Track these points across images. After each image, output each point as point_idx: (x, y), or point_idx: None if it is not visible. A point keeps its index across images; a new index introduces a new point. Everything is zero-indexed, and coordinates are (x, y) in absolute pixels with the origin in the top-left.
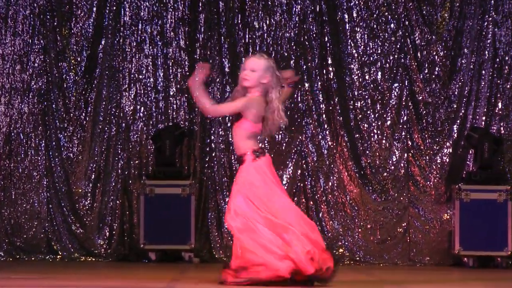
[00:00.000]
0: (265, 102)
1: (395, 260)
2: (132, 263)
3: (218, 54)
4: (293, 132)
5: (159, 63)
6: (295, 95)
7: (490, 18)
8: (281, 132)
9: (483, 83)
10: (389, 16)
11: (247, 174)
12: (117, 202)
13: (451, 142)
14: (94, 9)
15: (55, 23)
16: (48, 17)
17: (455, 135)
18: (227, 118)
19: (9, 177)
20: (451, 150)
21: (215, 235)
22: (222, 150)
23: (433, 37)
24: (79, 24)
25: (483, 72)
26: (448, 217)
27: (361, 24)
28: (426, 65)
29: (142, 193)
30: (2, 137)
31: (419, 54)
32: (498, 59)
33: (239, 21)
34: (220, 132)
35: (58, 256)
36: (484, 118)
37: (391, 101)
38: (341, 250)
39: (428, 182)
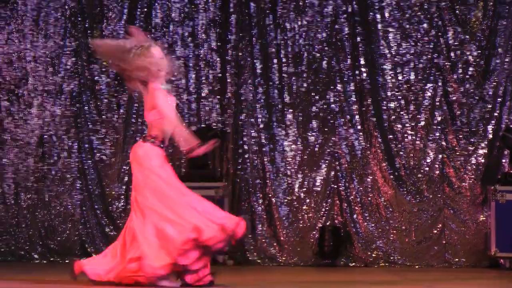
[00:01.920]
0: None
1: (431, 261)
2: None
3: (250, 55)
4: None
5: (191, 64)
6: (328, 96)
7: None
8: (314, 133)
9: None
10: (422, 16)
11: None
12: None
13: (486, 142)
14: (125, 11)
15: (87, 25)
16: (80, 19)
17: (490, 135)
18: (259, 120)
19: (42, 180)
20: (486, 151)
21: (249, 237)
22: (255, 152)
23: (467, 36)
24: (110, 26)
25: None
26: (483, 218)
27: (393, 24)
28: (460, 65)
29: None
30: (35, 140)
31: (452, 54)
32: None
33: (271, 22)
34: (253, 133)
35: None
36: None
37: (424, 102)
38: (375, 252)
39: (463, 183)
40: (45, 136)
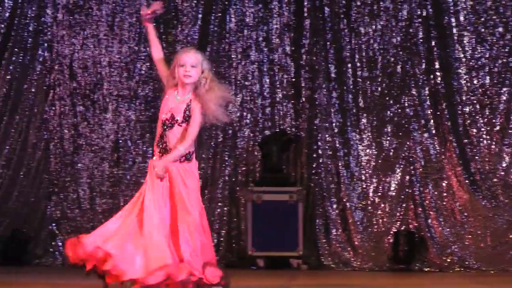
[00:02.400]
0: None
1: (506, 266)
2: (240, 270)
3: (324, 59)
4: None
5: (265, 69)
6: (402, 100)
7: None
8: (388, 138)
9: None
10: (497, 20)
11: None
12: (225, 208)
13: None
14: (200, 15)
15: (161, 30)
16: (154, 24)
17: None
18: (334, 124)
19: (117, 184)
20: None
21: (323, 242)
22: (329, 157)
23: None
24: (184, 31)
25: None
26: None
27: (468, 28)
28: None
29: (249, 199)
30: (109, 145)
31: None
32: None
33: (345, 27)
34: (327, 138)
35: None
36: None
37: (500, 106)
38: (450, 256)
39: None
40: (120, 141)
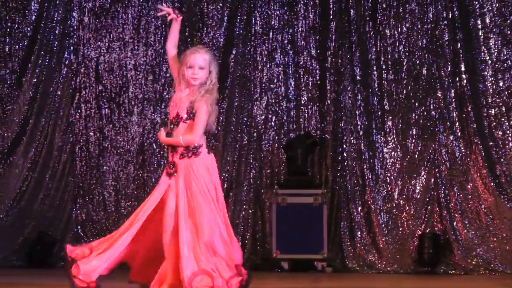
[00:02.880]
0: None
1: None
2: (265, 273)
3: (349, 62)
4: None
5: (290, 72)
6: (428, 102)
7: None
8: (413, 140)
9: None
10: None
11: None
12: (250, 211)
13: None
14: (225, 18)
15: (187, 33)
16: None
17: None
18: (359, 127)
19: (143, 187)
20: None
21: (348, 244)
22: (354, 159)
23: None
24: (210, 33)
25: None
26: None
27: (494, 30)
28: None
29: (274, 202)
30: (135, 147)
31: None
32: None
33: (370, 29)
34: (352, 140)
35: None
36: None
37: None
38: (475, 259)
39: None
40: (145, 144)
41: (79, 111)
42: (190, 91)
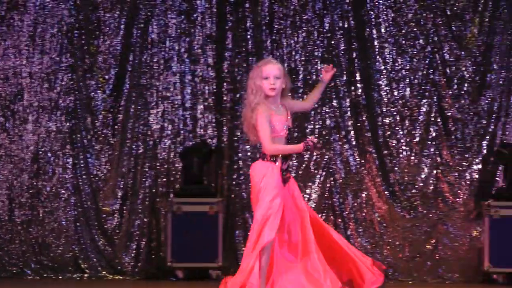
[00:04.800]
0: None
1: (424, 277)
2: (160, 281)
3: (246, 71)
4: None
5: (187, 80)
6: (323, 111)
7: None
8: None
9: None
10: (418, 32)
11: None
12: (145, 220)
13: (480, 158)
14: (122, 26)
15: (83, 41)
16: (76, 35)
17: (485, 151)
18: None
19: (37, 196)
20: (480, 166)
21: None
22: (249, 167)
23: (462, 52)
24: (107, 41)
25: None
26: (477, 233)
27: (389, 40)
28: (455, 80)
29: (169, 211)
30: (29, 156)
31: (448, 70)
32: None
33: (267, 38)
34: (248, 149)
35: (86, 275)
36: None
37: (419, 117)
38: None
39: (457, 199)
40: (40, 152)
41: None
42: (274, 102)
